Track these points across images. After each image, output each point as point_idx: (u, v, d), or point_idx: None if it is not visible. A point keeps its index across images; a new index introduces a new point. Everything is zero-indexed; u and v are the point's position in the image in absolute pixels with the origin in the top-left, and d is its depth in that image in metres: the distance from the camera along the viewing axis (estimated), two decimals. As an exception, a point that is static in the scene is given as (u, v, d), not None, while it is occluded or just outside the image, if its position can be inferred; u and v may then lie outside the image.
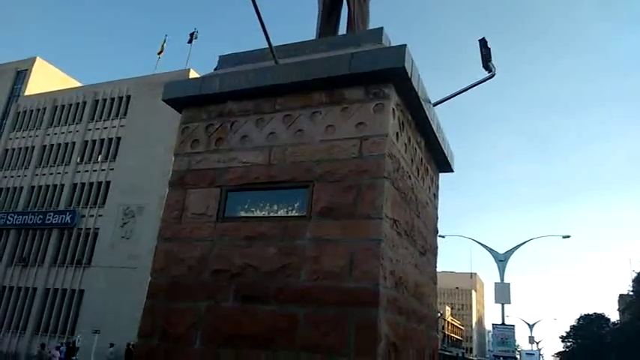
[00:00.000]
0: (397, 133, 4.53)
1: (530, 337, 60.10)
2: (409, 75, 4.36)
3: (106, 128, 41.02)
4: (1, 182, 42.73)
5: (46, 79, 47.87)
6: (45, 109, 44.11)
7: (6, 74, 48.00)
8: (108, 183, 38.81)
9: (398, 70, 4.29)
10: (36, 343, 34.93)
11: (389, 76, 4.36)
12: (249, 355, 3.96)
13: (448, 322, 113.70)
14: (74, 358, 28.12)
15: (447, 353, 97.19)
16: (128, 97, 40.78)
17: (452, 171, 6.51)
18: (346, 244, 4.01)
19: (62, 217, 38.96)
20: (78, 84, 49.99)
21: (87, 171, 40.35)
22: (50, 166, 41.99)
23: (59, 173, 41.28)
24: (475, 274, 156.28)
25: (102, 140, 40.83)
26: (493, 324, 26.60)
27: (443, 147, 5.87)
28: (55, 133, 43.08)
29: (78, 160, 41.17)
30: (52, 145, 42.83)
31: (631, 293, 69.13)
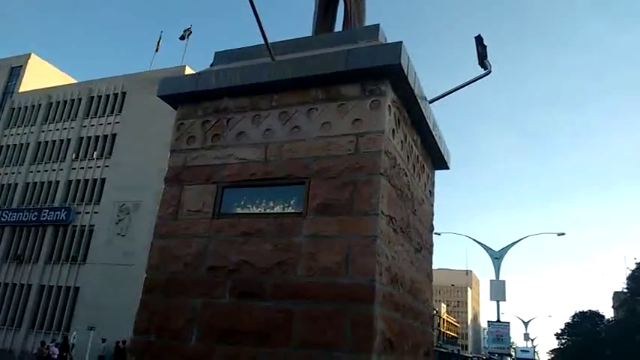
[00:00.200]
0: (393, 130, 4.53)
1: (525, 334, 60.46)
2: (405, 72, 4.37)
3: (101, 125, 40.87)
4: (-5, 179, 42.53)
5: (40, 75, 47.63)
6: (40, 105, 43.90)
7: (0, 70, 47.74)
8: (103, 180, 38.69)
9: (394, 67, 4.30)
10: (31, 339, 34.88)
11: (385, 72, 4.36)
12: (246, 351, 3.97)
13: (444, 319, 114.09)
14: (66, 354, 28.03)
15: (442, 350, 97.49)
16: (123, 94, 40.64)
17: (448, 168, 6.53)
18: (342, 241, 4.02)
19: (57, 214, 38.82)
20: (73, 80, 49.75)
21: (82, 168, 40.21)
22: (45, 163, 41.82)
23: (54, 170, 41.13)
24: (471, 271, 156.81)
25: (97, 137, 40.67)
26: (488, 321, 26.73)
27: (439, 144, 5.89)
28: (50, 130, 42.89)
29: (73, 156, 41.01)
30: (46, 142, 42.65)
31: (625, 291, 69.50)
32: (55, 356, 26.02)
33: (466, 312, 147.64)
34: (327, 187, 4.24)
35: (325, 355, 3.72)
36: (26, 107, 44.61)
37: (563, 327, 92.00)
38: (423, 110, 5.07)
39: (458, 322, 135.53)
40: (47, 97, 43.78)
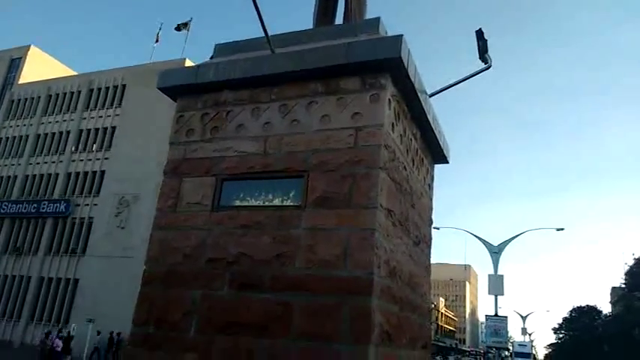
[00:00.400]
0: (393, 124, 4.54)
1: (522, 328, 60.70)
2: (405, 65, 4.36)
3: (100, 117, 40.80)
4: (-5, 171, 42.51)
5: (40, 67, 47.49)
6: (39, 97, 43.81)
7: (0, 62, 47.60)
8: (102, 172, 38.67)
9: (394, 61, 4.29)
10: (30, 331, 34.99)
11: (385, 66, 4.36)
12: (244, 342, 3.99)
13: (442, 313, 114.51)
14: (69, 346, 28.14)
15: (440, 344, 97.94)
16: (123, 86, 40.54)
17: (447, 162, 6.53)
18: (341, 234, 4.03)
19: (56, 206, 38.82)
20: (72, 72, 49.62)
21: (82, 160, 40.18)
22: (45, 155, 41.78)
23: (54, 162, 41.09)
24: (469, 265, 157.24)
25: (97, 129, 40.61)
26: (486, 315, 26.82)
27: (438, 138, 5.89)
28: (50, 122, 42.82)
29: (72, 149, 40.97)
30: (46, 134, 42.59)
31: (623, 286, 69.71)
32: (59, 349, 26.11)
33: (464, 306, 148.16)
34: (326, 181, 4.25)
35: (324, 346, 3.75)
36: (26, 99, 44.51)
37: (560, 322, 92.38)
38: (423, 104, 5.07)
39: (456, 317, 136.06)
40: (47, 88, 43.68)
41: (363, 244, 3.94)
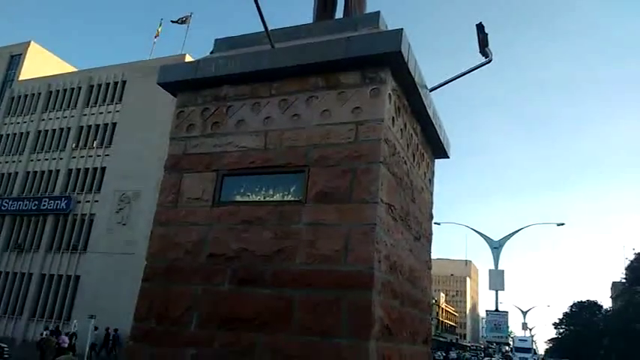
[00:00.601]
0: (393, 118, 4.53)
1: (523, 323, 60.85)
2: (406, 59, 4.35)
3: (101, 113, 40.77)
4: (-5, 168, 42.53)
5: (40, 63, 47.42)
6: (39, 94, 43.76)
7: (0, 59, 47.55)
8: (103, 169, 38.67)
9: (394, 55, 4.28)
10: (32, 328, 35.09)
11: (385, 60, 4.35)
12: (245, 337, 4.00)
13: (442, 308, 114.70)
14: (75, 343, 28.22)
15: (441, 339, 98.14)
16: (123, 83, 40.50)
17: (447, 157, 6.52)
18: (342, 229, 4.03)
19: (57, 203, 38.84)
20: (72, 69, 49.56)
21: (82, 157, 40.18)
22: (45, 152, 41.77)
23: (54, 159, 41.09)
24: (470, 261, 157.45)
25: (97, 126, 40.59)
26: (487, 310, 26.88)
27: (439, 133, 5.88)
28: (50, 119, 42.79)
29: (73, 145, 40.96)
30: (46, 131, 42.57)
31: (624, 281, 69.77)
32: (66, 345, 26.20)
33: (465, 301, 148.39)
34: (327, 175, 4.24)
35: (324, 341, 3.75)
36: (26, 96, 44.48)
37: (561, 317, 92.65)
38: (423, 98, 5.06)
39: (457, 312, 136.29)
40: (47, 85, 43.63)
41: (364, 239, 3.94)
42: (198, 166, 4.80)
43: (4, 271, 39.00)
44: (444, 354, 66.16)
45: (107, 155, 38.88)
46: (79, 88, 42.40)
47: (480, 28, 5.43)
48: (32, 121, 43.24)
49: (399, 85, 4.66)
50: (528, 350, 64.05)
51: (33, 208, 39.52)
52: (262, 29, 4.82)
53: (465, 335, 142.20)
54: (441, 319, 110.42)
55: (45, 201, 39.25)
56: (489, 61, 5.54)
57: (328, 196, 4.17)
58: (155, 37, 43.00)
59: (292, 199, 4.33)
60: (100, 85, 41.66)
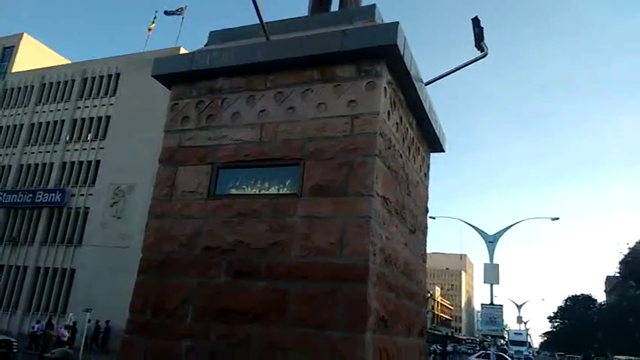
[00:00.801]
0: (389, 112, 4.52)
1: (518, 317, 61.11)
2: (401, 53, 4.34)
3: (95, 106, 40.51)
4: (-11, 160, 42.30)
5: (33, 55, 47.02)
6: (33, 86, 43.42)
7: (-8, 51, 47.13)
8: (98, 162, 38.47)
9: (390, 48, 4.27)
10: (27, 321, 35.00)
11: (381, 53, 4.34)
12: (241, 329, 4.00)
13: (438, 302, 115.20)
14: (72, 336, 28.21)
15: (436, 332, 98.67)
16: (117, 75, 40.22)
17: (443, 151, 6.53)
18: (337, 222, 4.04)
19: (52, 196, 38.65)
20: (66, 61, 49.17)
21: (76, 150, 39.95)
22: (39, 145, 41.51)
23: (48, 152, 40.84)
24: (465, 255, 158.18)
25: (91, 119, 40.34)
26: (482, 304, 26.97)
27: (434, 127, 5.88)
28: (44, 111, 42.49)
29: (67, 138, 40.71)
30: (40, 124, 42.29)
31: (618, 275, 70.22)
32: (65, 338, 26.17)
33: (460, 295, 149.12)
34: (322, 169, 4.24)
35: (320, 333, 3.76)
36: (19, 88, 44.13)
37: (556, 310, 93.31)
38: (419, 92, 5.05)
39: (452, 305, 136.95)
40: (40, 77, 43.30)
41: (359, 232, 3.94)
42: (193, 159, 4.79)
43: (-2, 265, 38.85)
44: (440, 347, 66.51)
45: (102, 148, 38.67)
46: (73, 80, 42.09)
47: (476, 22, 5.41)
48: (26, 113, 42.94)
49: (395, 78, 4.66)
50: (523, 343, 64.53)
51: (27, 201, 39.33)
52: (257, 22, 4.80)
53: (460, 328, 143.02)
54: (436, 312, 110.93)
55: (39, 194, 39.06)
56: (485, 55, 5.53)
57: (324, 189, 4.17)
58: (149, 29, 42.71)
59: (288, 192, 4.33)
60: (94, 78, 41.36)
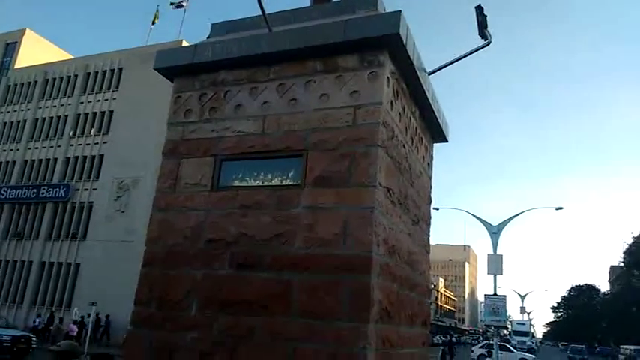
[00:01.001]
0: (391, 102, 4.51)
1: (521, 307, 61.22)
2: (404, 42, 4.32)
3: (98, 101, 40.55)
4: (-7, 156, 42.44)
5: (36, 51, 47.05)
6: (36, 82, 43.48)
7: (-5, 46, 47.15)
8: (101, 156, 38.57)
9: (392, 37, 4.25)
10: (33, 316, 35.24)
11: (383, 43, 4.31)
12: (245, 320, 4.02)
13: (441, 293, 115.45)
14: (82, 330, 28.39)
15: (440, 323, 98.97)
16: (120, 70, 40.22)
17: (446, 141, 6.52)
18: (340, 212, 4.04)
19: (56, 191, 38.81)
20: (69, 56, 49.17)
21: (80, 144, 40.04)
22: (43, 140, 41.62)
23: (52, 147, 40.95)
24: (469, 246, 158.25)
25: (94, 113, 40.39)
26: (485, 294, 26.99)
27: (437, 117, 5.86)
28: (47, 107, 42.57)
29: (71, 133, 40.80)
30: (44, 119, 42.37)
31: (622, 264, 70.14)
32: (74, 333, 26.38)
33: (463, 286, 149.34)
34: (325, 160, 4.24)
35: (324, 324, 3.78)
36: (22, 84, 44.19)
37: (559, 300, 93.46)
38: (422, 82, 5.03)
39: (455, 296, 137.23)
40: (43, 73, 43.34)
41: (363, 223, 3.94)
42: (197, 152, 4.79)
43: (4, 260, 39.09)
44: (443, 338, 66.72)
45: (105, 143, 38.75)
46: (76, 75, 42.11)
47: (479, 10, 5.38)
48: (29, 109, 43.02)
49: (398, 68, 4.64)
50: (526, 334, 64.70)
51: (32, 196, 39.50)
52: (259, 13, 4.78)
53: (463, 319, 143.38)
54: (440, 303, 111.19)
55: (44, 189, 39.21)
56: (488, 43, 5.50)
57: (327, 180, 4.17)
58: (152, 23, 42.62)
59: (291, 183, 4.33)
60: (96, 73, 41.37)
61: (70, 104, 41.61)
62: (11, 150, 42.48)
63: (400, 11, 4.26)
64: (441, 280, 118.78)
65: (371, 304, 3.75)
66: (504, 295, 25.73)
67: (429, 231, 6.03)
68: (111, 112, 39.54)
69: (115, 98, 39.73)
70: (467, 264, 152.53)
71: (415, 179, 5.36)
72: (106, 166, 37.79)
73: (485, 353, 34.13)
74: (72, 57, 48.20)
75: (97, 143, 39.29)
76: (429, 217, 6.10)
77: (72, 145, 40.38)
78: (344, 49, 4.42)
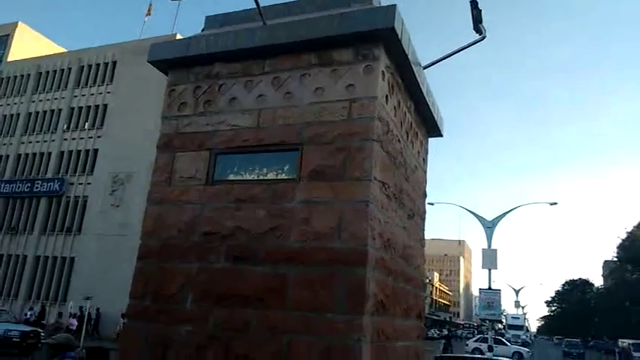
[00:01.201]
0: (387, 96, 4.51)
1: (516, 301, 61.62)
2: (399, 36, 4.31)
3: (92, 95, 40.28)
4: (-14, 150, 42.18)
5: (28, 44, 46.67)
6: (29, 75, 43.14)
7: (-13, 39, 46.76)
8: (96, 150, 38.35)
9: (387, 31, 4.24)
10: (27, 310, 35.15)
11: (378, 37, 4.31)
12: (240, 313, 4.03)
13: (436, 287, 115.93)
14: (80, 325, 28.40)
15: (434, 317, 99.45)
16: (114, 63, 39.93)
17: (441, 135, 6.53)
18: (335, 206, 4.04)
19: (50, 185, 38.59)
20: (62, 49, 48.82)
21: (74, 138, 39.80)
22: (37, 134, 41.35)
23: (46, 141, 40.68)
24: (463, 241, 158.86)
25: (88, 107, 40.13)
26: (480, 289, 27.15)
27: (432, 111, 5.86)
28: (41, 100, 42.25)
29: (64, 127, 40.53)
30: (37, 113, 42.06)
31: (615, 259, 70.56)
32: (74, 328, 26.36)
33: (458, 281, 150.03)
34: (321, 154, 4.24)
35: (319, 317, 3.79)
36: (15, 77, 43.83)
37: (553, 295, 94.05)
38: (417, 76, 5.03)
39: (450, 291, 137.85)
40: (36, 66, 42.99)
41: (358, 217, 3.95)
42: (191, 145, 4.78)
43: (-2, 254, 38.94)
44: (438, 332, 67.02)
45: (99, 137, 38.52)
46: (69, 69, 41.77)
47: (474, 4, 5.38)
48: (22, 102, 42.70)
49: (393, 62, 4.63)
50: (521, 328, 65.11)
51: (26, 190, 39.27)
52: (254, 6, 4.76)
53: (458, 313, 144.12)
54: (434, 297, 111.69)
55: (38, 183, 38.98)
56: (483, 37, 5.51)
57: (322, 174, 4.17)
58: (146, 16, 42.35)
59: (286, 177, 4.33)
60: (90, 66, 41.06)
61: (63, 98, 41.32)
62: (4, 144, 42.19)
63: (395, 5, 4.26)
64: (436, 274, 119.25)
65: (366, 298, 3.77)
66: (499, 290, 25.90)
67: (423, 225, 6.04)
68: (105, 105, 39.28)
69: (109, 92, 39.47)
70: (462, 258, 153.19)
71: (410, 173, 5.37)
72: (100, 160, 37.59)
73: (485, 347, 34.29)
74: (65, 50, 47.88)
75: (92, 137, 39.05)
76: (424, 212, 6.12)
77: (66, 139, 40.13)
78: (339, 43, 4.41)
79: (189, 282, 4.30)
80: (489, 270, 25.01)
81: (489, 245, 25.86)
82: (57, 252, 37.04)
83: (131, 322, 4.48)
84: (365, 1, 4.79)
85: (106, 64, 40.32)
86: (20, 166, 40.99)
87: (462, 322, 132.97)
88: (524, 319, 73.96)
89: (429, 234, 6.49)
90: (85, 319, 25.41)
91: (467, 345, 39.22)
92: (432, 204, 30.84)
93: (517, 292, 60.76)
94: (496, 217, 27.12)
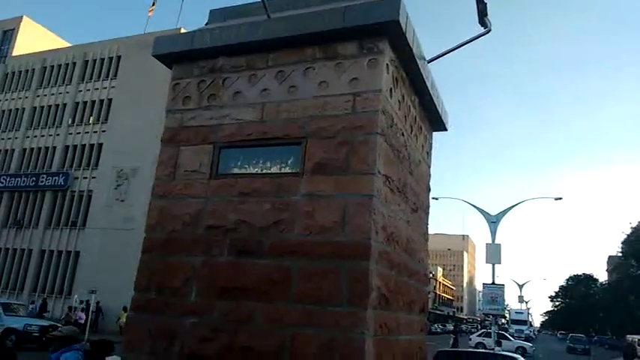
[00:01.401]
0: (391, 90, 4.50)
1: (519, 296, 61.59)
2: (404, 29, 4.30)
3: (97, 89, 40.38)
4: (-8, 144, 42.37)
5: (33, 39, 46.76)
6: (34, 69, 43.25)
7: (-8, 34, 46.87)
8: (100, 145, 38.48)
9: (392, 24, 4.23)
10: (29, 303, 35.41)
11: (383, 30, 4.30)
12: (245, 306, 4.05)
13: (440, 282, 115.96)
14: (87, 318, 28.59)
15: (438, 312, 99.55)
16: (118, 58, 40.00)
17: (445, 130, 6.51)
18: (339, 200, 4.05)
19: (55, 179, 38.77)
20: (67, 44, 48.92)
21: (79, 133, 39.93)
22: (42, 128, 41.50)
23: (50, 135, 40.84)
24: (467, 236, 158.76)
25: (93, 101, 40.23)
26: (483, 283, 27.10)
27: (437, 105, 5.85)
28: (45, 95, 42.38)
29: (69, 121, 40.66)
30: (42, 107, 42.21)
31: (620, 254, 70.37)
32: (82, 321, 26.59)
33: (462, 275, 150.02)
34: (324, 147, 4.24)
35: (322, 310, 3.80)
36: (20, 72, 43.96)
37: (557, 290, 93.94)
38: (422, 70, 5.02)
39: (454, 286, 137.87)
40: (41, 61, 43.11)
41: (361, 210, 3.96)
42: (195, 139, 4.79)
43: (4, 248, 39.17)
44: (441, 326, 67.09)
45: (104, 131, 38.64)
46: (74, 63, 41.88)
47: (479, -3, 5.34)
48: (27, 97, 42.84)
49: (397, 55, 4.62)
50: (524, 322, 65.11)
51: (31, 184, 39.47)
52: (258, 0, 4.75)
53: (461, 308, 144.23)
54: (438, 292, 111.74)
55: (43, 177, 39.17)
56: (488, 31, 5.48)
57: (326, 167, 4.18)
58: (150, 10, 42.35)
59: (290, 170, 4.33)
60: (95, 61, 41.15)
61: (68, 92, 41.43)
62: (10, 138, 42.37)
63: (400, -2, 4.24)
64: (440, 269, 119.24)
65: (369, 291, 3.78)
66: (502, 285, 25.86)
67: (427, 219, 6.04)
68: (110, 100, 39.38)
69: (113, 86, 39.55)
70: (465, 253, 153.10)
71: (414, 167, 5.37)
72: (105, 154, 37.71)
73: (488, 342, 34.27)
74: (70, 45, 47.96)
75: (96, 132, 39.17)
76: (428, 206, 6.12)
77: (71, 134, 40.26)
78: (343, 36, 4.41)
79: (193, 275, 4.32)
80: (493, 265, 24.98)
81: (493, 240, 25.81)
82: (62, 246, 37.26)
83: (136, 315, 4.51)
84: (369, -6, 4.77)
85: (111, 59, 40.39)
86: (25, 161, 41.19)
87: (466, 317, 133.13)
88: (528, 314, 73.93)
89: (432, 229, 6.53)
90: (90, 313, 25.59)
91: (470, 340, 39.26)
92: (437, 198, 30.82)
93: (521, 287, 60.75)
94: (500, 212, 27.06)
